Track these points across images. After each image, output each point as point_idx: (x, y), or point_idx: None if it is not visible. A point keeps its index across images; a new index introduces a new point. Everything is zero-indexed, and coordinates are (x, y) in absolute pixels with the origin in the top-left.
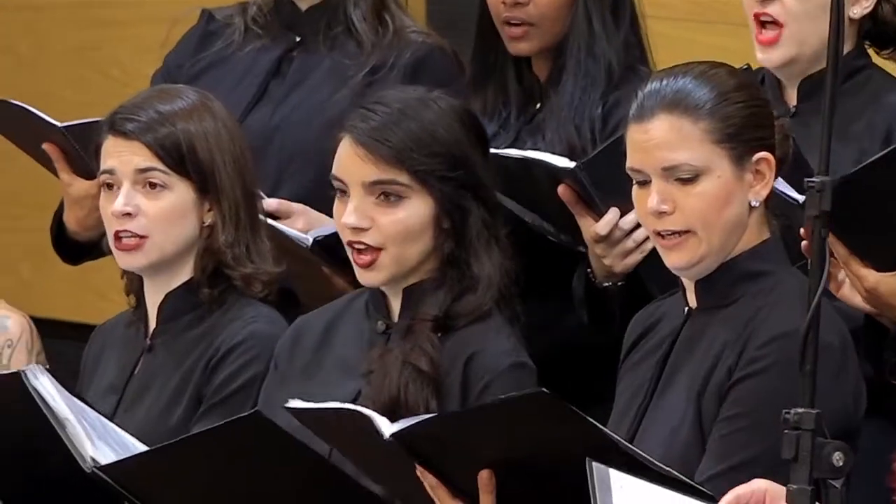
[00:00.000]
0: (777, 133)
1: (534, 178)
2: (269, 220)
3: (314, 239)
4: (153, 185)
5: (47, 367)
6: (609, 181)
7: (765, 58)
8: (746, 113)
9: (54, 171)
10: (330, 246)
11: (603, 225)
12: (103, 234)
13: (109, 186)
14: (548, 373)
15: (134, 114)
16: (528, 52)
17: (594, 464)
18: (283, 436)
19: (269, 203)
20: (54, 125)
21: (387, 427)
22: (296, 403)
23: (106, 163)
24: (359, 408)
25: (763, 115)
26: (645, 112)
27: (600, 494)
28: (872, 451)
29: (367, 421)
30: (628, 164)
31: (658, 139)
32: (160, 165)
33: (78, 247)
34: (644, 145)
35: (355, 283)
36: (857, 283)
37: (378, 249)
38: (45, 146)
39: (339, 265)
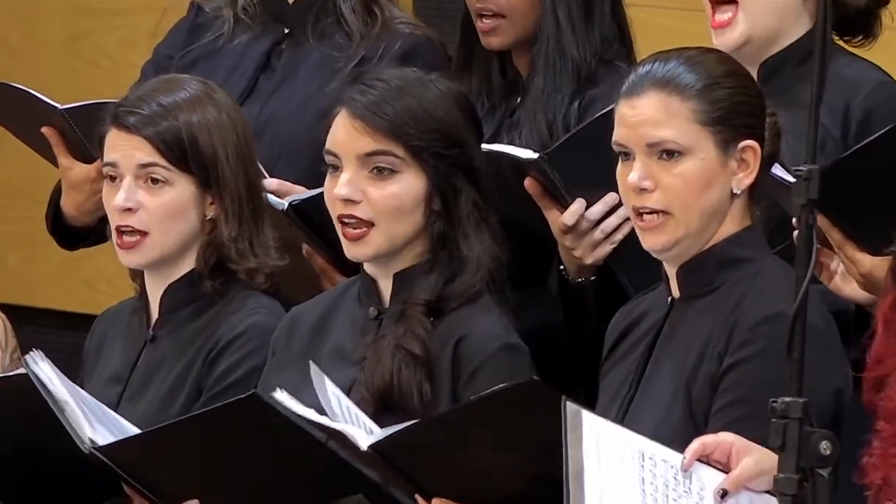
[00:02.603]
0: (769, 129)
1: (501, 172)
2: None
3: (290, 203)
4: (154, 181)
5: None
6: (574, 172)
7: (721, 41)
8: (736, 99)
9: (50, 158)
10: (305, 212)
11: (569, 215)
12: (101, 220)
13: (112, 179)
14: (543, 358)
15: (137, 107)
16: (499, 45)
17: (568, 402)
18: (281, 418)
19: (270, 183)
20: (55, 107)
21: (363, 440)
22: (282, 397)
23: (109, 156)
24: (332, 424)
25: (752, 104)
26: (635, 88)
27: (571, 436)
28: (860, 438)
29: (342, 436)
30: (614, 137)
31: (645, 115)
32: (161, 161)
33: (75, 232)
34: (631, 120)
35: (333, 263)
36: (851, 268)
37: (369, 224)
38: (44, 130)
39: (314, 235)
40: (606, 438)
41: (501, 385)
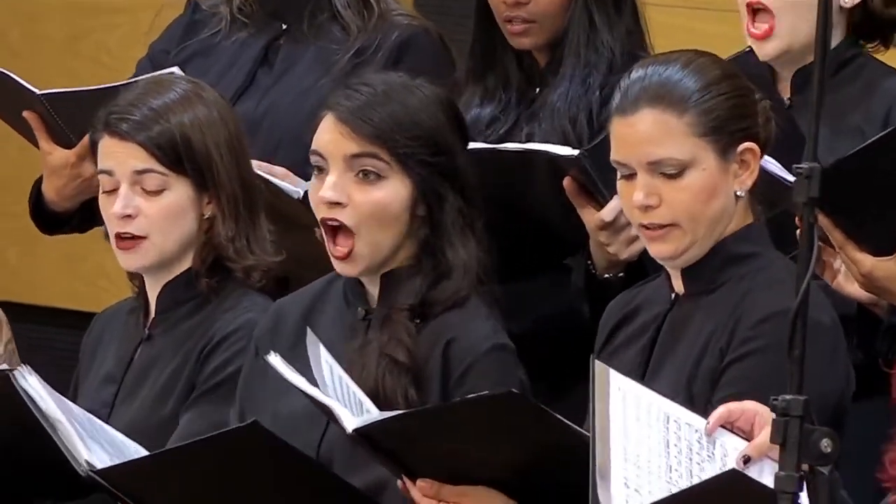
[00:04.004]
0: (760, 115)
1: (532, 171)
2: (262, 173)
3: (305, 192)
4: (151, 186)
5: (16, 359)
6: (612, 168)
7: (757, 50)
8: (730, 104)
9: (34, 142)
10: None
11: (608, 211)
12: (82, 205)
13: (108, 186)
14: (529, 353)
15: (128, 112)
16: (530, 46)
17: (596, 361)
18: (280, 444)
19: (277, 171)
20: (33, 92)
21: (349, 421)
22: (275, 361)
23: (104, 163)
24: (323, 399)
25: (746, 105)
26: (629, 105)
27: (598, 392)
28: (863, 437)
29: (331, 412)
30: (613, 156)
31: (642, 134)
32: (157, 166)
33: (55, 217)
34: (628, 140)
35: None
36: (853, 268)
37: (351, 234)
38: (25, 114)
39: None
40: (633, 398)
41: (482, 393)
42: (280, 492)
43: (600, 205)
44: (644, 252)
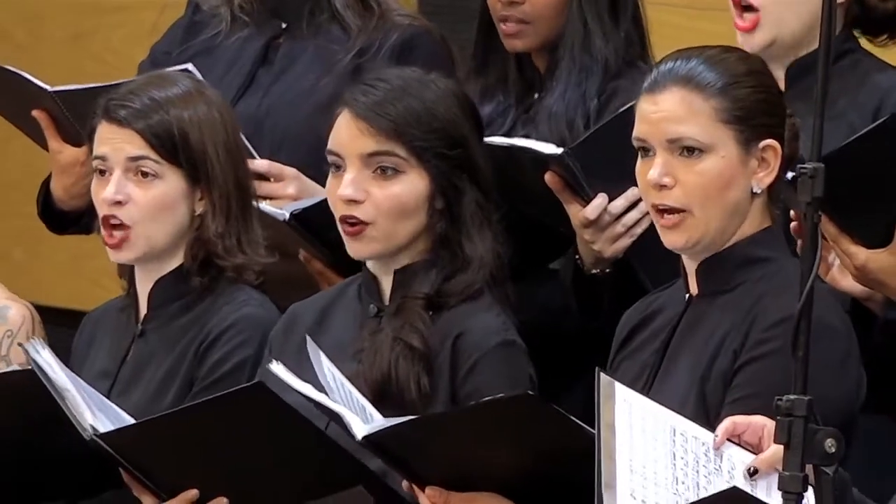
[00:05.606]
0: (788, 131)
1: (520, 166)
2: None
3: (291, 213)
4: (144, 174)
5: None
6: (597, 166)
7: (745, 42)
8: (757, 98)
9: (41, 141)
10: (306, 219)
11: (591, 209)
12: (90, 204)
13: (102, 172)
14: (539, 348)
15: (128, 100)
16: (523, 48)
17: (601, 374)
18: (285, 407)
19: (260, 164)
20: (45, 89)
21: (359, 428)
22: (278, 369)
23: (99, 149)
24: (330, 404)
25: (773, 104)
26: (657, 85)
27: (604, 405)
28: (868, 445)
29: (339, 418)
30: (634, 133)
31: (667, 111)
32: (152, 154)
33: (63, 216)
34: (652, 116)
35: (332, 265)
36: (846, 261)
37: (370, 224)
38: (35, 113)
39: (315, 240)
40: (639, 410)
41: (497, 395)
42: (281, 456)
43: (585, 201)
44: (630, 248)
